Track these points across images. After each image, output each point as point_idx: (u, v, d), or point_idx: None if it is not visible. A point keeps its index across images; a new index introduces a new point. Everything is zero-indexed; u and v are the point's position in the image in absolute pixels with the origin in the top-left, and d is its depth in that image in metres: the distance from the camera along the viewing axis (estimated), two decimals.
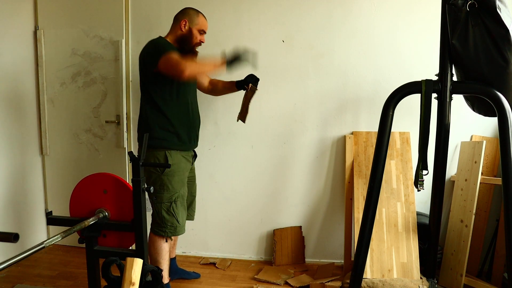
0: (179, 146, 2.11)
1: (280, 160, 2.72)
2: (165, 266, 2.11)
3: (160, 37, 2.15)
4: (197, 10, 2.18)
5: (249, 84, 2.22)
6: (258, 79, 2.26)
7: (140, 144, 2.15)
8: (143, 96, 2.15)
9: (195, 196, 2.40)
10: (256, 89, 2.25)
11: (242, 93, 2.28)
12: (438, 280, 2.33)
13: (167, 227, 2.07)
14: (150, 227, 2.12)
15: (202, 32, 2.17)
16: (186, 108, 2.14)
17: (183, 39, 2.13)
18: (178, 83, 2.07)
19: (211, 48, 2.65)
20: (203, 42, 2.20)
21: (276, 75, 2.65)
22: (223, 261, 2.75)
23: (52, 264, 2.67)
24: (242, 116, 2.25)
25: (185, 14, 2.15)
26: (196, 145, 2.27)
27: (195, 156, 2.33)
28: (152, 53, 2.02)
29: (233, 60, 2.03)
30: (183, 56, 2.03)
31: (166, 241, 2.10)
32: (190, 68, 1.92)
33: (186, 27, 2.12)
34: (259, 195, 2.77)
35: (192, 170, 2.33)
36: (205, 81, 2.41)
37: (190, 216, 2.38)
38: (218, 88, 2.41)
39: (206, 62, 2.08)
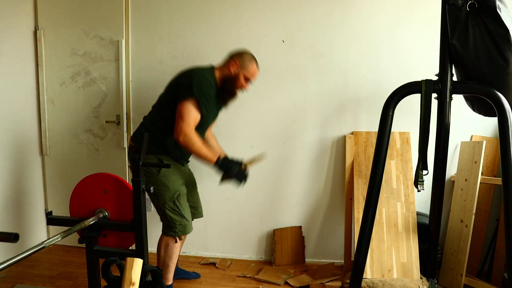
0: (171, 154, 2.11)
1: (280, 160, 2.72)
2: (172, 269, 2.12)
3: (208, 72, 2.05)
4: (253, 57, 2.13)
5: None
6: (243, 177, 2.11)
7: (137, 143, 2.12)
8: (159, 109, 2.10)
9: (198, 196, 2.41)
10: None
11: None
12: (438, 280, 2.33)
13: (176, 227, 2.07)
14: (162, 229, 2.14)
15: (249, 80, 2.13)
16: None
17: (228, 80, 2.08)
18: (201, 122, 2.03)
19: (211, 47, 2.66)
20: (245, 90, 2.16)
21: (276, 75, 2.65)
22: (223, 261, 2.75)
23: (52, 264, 2.67)
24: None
25: (239, 56, 2.10)
26: (187, 162, 2.30)
27: (187, 161, 2.33)
28: (183, 88, 1.97)
29: (224, 171, 2.00)
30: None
31: (176, 241, 2.10)
32: (187, 139, 1.91)
33: (236, 71, 2.08)
34: (259, 195, 2.77)
35: (191, 175, 2.35)
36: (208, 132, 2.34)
37: (200, 214, 2.40)
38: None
39: (204, 152, 1.97)
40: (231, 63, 2.08)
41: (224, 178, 2.06)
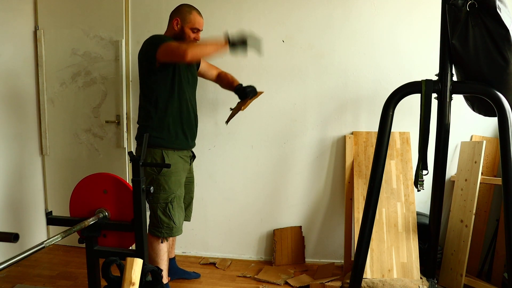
0: (176, 144, 2.10)
1: (280, 160, 2.72)
2: (164, 266, 2.11)
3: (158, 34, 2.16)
4: (191, 7, 2.13)
5: (248, 97, 2.22)
6: (255, 91, 2.27)
7: (139, 143, 2.15)
8: (142, 93, 2.14)
9: (192, 198, 2.40)
10: (250, 99, 2.27)
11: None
12: (438, 280, 2.33)
13: (163, 228, 2.06)
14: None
15: (196, 30, 2.12)
16: (185, 106, 2.13)
17: (176, 38, 2.10)
18: (179, 81, 2.06)
19: None
20: (197, 40, 2.15)
21: (276, 75, 2.65)
22: (223, 261, 2.75)
23: (52, 264, 2.67)
24: (228, 119, 2.30)
25: (177, 12, 2.12)
26: (193, 145, 2.27)
27: (193, 157, 2.33)
28: (150, 45, 2.02)
29: (237, 43, 1.97)
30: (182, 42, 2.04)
31: (162, 242, 2.09)
32: (192, 51, 1.90)
33: (179, 26, 2.10)
34: (259, 195, 2.77)
35: (190, 171, 2.33)
36: (213, 74, 2.42)
37: (187, 217, 2.37)
38: (223, 85, 2.42)
39: (209, 44, 2.00)
40: (173, 22, 2.11)
41: (237, 47, 2.01)
